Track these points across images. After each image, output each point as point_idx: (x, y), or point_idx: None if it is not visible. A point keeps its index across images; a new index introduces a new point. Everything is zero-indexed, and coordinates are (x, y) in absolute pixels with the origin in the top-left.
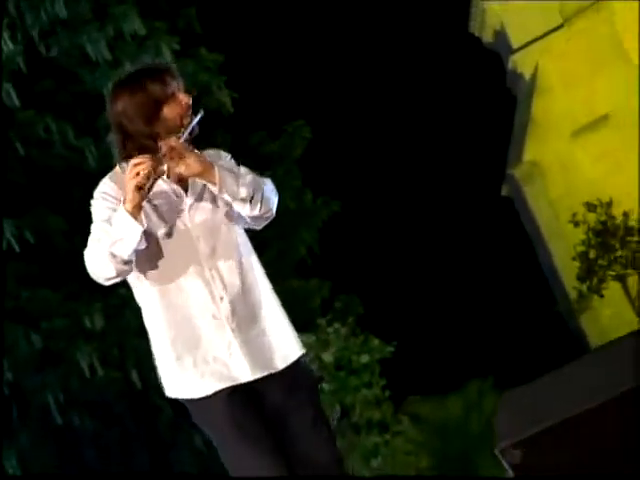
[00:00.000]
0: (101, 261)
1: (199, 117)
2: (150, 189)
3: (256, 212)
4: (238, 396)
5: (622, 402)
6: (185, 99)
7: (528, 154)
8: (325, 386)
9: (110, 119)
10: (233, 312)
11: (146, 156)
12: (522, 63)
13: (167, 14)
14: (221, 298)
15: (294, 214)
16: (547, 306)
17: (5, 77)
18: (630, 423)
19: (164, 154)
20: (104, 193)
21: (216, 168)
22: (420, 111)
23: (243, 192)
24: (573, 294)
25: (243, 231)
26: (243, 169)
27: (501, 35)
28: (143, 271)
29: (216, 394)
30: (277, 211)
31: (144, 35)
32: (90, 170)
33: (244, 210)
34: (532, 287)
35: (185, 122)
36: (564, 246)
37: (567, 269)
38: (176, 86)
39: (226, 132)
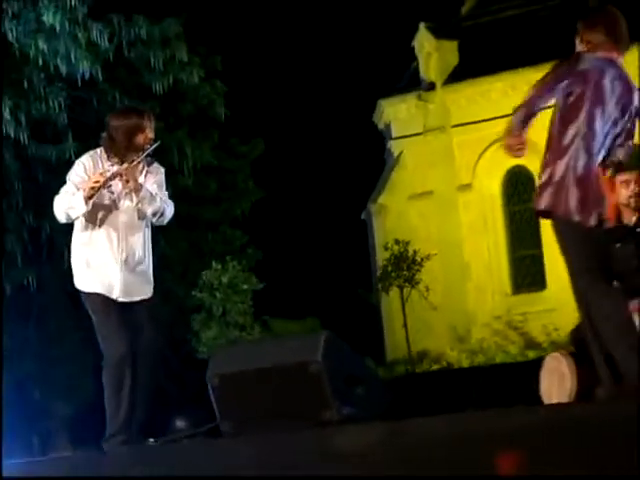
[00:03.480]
0: (60, 211)
1: (150, 149)
2: (96, 193)
3: (155, 220)
4: (112, 301)
5: (296, 368)
6: (149, 137)
7: (381, 199)
8: (218, 295)
9: (106, 126)
10: (125, 261)
11: (105, 175)
12: (395, 147)
13: (202, 55)
14: (121, 251)
15: (239, 191)
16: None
17: (98, 62)
18: (302, 386)
19: (119, 173)
20: (83, 163)
21: (143, 190)
22: (328, 160)
23: (152, 209)
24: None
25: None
26: (162, 195)
27: (388, 127)
28: (89, 217)
29: (102, 294)
30: (230, 182)
31: (185, 62)
32: None
33: (150, 217)
34: (363, 278)
35: (145, 148)
36: (383, 260)
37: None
38: (149, 125)
39: (216, 132)
